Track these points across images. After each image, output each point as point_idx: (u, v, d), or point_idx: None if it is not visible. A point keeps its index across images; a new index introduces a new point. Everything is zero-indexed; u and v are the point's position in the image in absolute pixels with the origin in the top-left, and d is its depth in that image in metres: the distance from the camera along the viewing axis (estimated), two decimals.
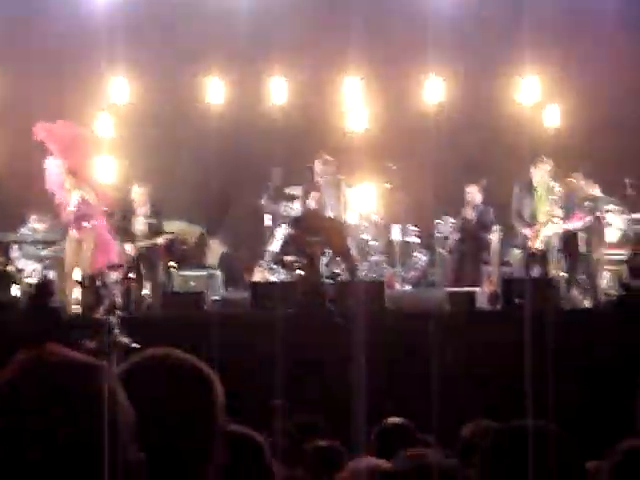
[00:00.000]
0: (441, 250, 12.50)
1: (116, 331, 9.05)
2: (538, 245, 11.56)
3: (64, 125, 11.65)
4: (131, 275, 11.13)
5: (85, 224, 11.37)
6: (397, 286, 12.47)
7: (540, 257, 11.56)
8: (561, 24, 13.34)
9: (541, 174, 11.62)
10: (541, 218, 11.58)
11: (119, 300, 10.20)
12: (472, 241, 12.31)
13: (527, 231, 11.67)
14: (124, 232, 11.85)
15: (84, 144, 11.80)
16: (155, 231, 11.85)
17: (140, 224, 11.84)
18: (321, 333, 9.60)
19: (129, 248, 11.77)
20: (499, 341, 9.31)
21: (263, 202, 12.37)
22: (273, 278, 12.06)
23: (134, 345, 8.65)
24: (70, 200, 11.45)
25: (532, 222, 11.65)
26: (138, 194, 11.84)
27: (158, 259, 11.87)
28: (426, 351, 8.70)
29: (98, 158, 12.18)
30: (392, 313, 10.29)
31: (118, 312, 9.48)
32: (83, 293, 10.52)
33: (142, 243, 11.77)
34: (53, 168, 11.61)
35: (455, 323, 9.70)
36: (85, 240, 11.38)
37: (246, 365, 8.92)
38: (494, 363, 9.16)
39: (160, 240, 11.82)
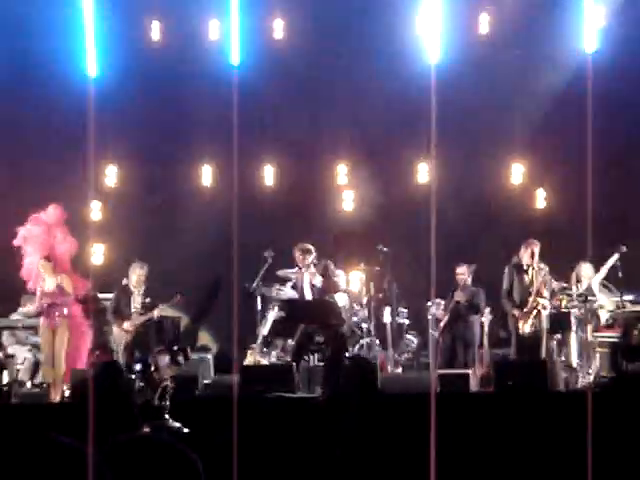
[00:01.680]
0: (432, 332, 12.47)
1: (167, 416, 8.89)
2: (529, 327, 11.56)
3: (37, 222, 12.11)
4: (180, 359, 11.07)
5: (58, 313, 11.48)
6: (389, 368, 12.42)
7: (531, 339, 11.55)
8: (548, 113, 13.54)
9: (530, 255, 11.68)
10: (531, 299, 11.60)
11: (171, 384, 9.94)
12: (463, 323, 12.29)
13: (517, 313, 11.68)
14: (119, 314, 11.91)
15: (58, 233, 12.17)
16: (150, 307, 11.88)
17: (137, 302, 11.89)
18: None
19: (127, 326, 11.82)
20: (492, 424, 9.24)
21: (254, 285, 12.35)
22: (265, 361, 12.01)
23: (185, 430, 8.51)
24: (45, 286, 11.64)
25: (522, 303, 11.67)
26: (138, 273, 11.90)
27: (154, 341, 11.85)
28: (419, 434, 8.61)
29: (88, 244, 12.39)
30: (384, 396, 10.19)
31: (169, 397, 9.25)
32: (136, 378, 10.32)
33: (138, 320, 11.81)
34: (30, 258, 11.95)
35: (447, 406, 9.62)
36: (59, 329, 11.48)
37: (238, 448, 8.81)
38: (487, 447, 9.08)
39: (156, 313, 11.85)
